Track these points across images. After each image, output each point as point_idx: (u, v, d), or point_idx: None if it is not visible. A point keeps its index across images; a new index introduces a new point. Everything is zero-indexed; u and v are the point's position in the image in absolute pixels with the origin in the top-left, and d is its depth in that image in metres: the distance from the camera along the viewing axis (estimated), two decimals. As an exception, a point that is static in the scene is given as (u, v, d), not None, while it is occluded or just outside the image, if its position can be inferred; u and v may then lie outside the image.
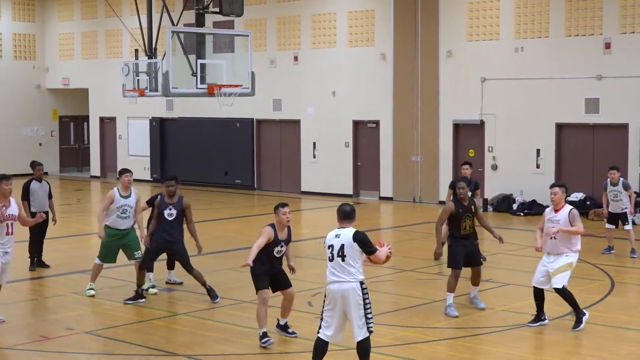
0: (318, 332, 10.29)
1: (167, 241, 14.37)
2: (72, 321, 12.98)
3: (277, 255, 11.99)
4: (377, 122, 29.87)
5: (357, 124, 30.40)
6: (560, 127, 26.26)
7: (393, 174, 29.24)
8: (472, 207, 13.99)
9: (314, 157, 31.43)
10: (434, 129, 28.58)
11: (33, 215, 17.09)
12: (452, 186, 17.12)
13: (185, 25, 21.06)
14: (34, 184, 17.18)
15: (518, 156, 26.77)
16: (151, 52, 26.39)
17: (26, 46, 39.01)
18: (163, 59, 18.96)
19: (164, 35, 18.41)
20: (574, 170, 25.73)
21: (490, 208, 26.89)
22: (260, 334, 11.79)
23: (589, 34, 25.44)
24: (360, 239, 10.09)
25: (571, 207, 13.12)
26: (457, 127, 28.23)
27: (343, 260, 10.10)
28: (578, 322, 12.63)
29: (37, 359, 11.53)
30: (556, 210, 12.97)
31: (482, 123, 27.61)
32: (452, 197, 16.74)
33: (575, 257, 12.73)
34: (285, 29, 31.84)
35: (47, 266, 17.28)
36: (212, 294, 14.46)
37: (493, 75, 27.19)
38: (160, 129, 35.58)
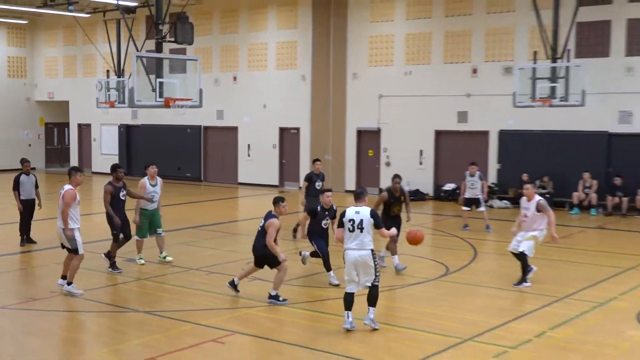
0: (346, 289, 10.52)
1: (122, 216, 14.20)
2: (55, 286, 12.75)
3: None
4: (298, 129, 29.93)
5: (282, 130, 30.40)
6: (438, 133, 26.65)
7: (310, 169, 29.30)
8: (402, 196, 14.46)
9: (249, 155, 31.39)
10: (342, 134, 28.75)
11: (23, 202, 16.85)
12: (307, 178, 17.91)
13: (147, 51, 20.83)
14: (23, 177, 16.88)
15: (406, 155, 27.10)
16: (120, 72, 26.17)
17: (18, 67, 38.41)
18: (129, 78, 18.75)
19: (130, 59, 18.20)
20: (448, 166, 26.16)
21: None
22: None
23: (461, 61, 25.86)
24: (374, 215, 10.42)
25: (540, 197, 13.50)
26: (360, 133, 28.42)
27: (361, 231, 10.29)
28: (522, 281, 13.13)
29: (26, 316, 11.32)
30: (528, 200, 13.29)
31: (379, 130, 27.86)
32: (306, 187, 17.52)
33: (540, 232, 13.17)
34: (227, 55, 31.72)
35: (34, 242, 16.94)
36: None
37: (388, 93, 27.44)
38: (127, 133, 35.28)
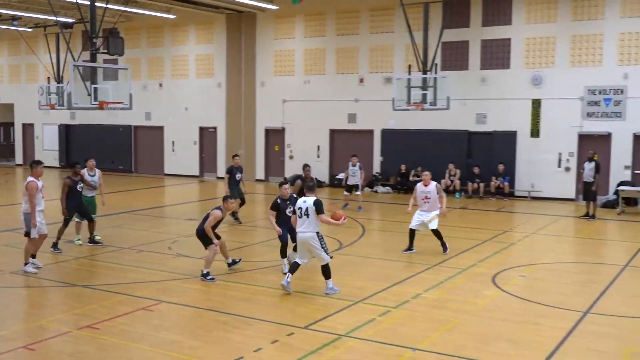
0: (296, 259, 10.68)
1: (80, 204, 13.95)
2: (2, 264, 12.11)
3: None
4: (215, 128, 29.48)
5: (201, 129, 29.87)
6: (332, 132, 26.75)
7: (225, 162, 28.99)
8: (308, 183, 14.25)
9: (173, 150, 30.72)
10: (253, 132, 28.50)
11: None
12: (228, 171, 17.55)
13: (83, 61, 20.00)
14: None
15: (306, 150, 27.10)
16: (59, 79, 25.16)
17: (-33, 73, 36.37)
18: (67, 84, 18.03)
19: (68, 68, 17.45)
20: (341, 159, 26.27)
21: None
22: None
23: (350, 72, 26.01)
24: (316, 203, 10.47)
25: (436, 182, 13.76)
26: (268, 131, 28.23)
27: (307, 217, 10.40)
28: (446, 248, 13.58)
29: (-24, 292, 10.72)
30: (425, 185, 13.50)
31: (284, 129, 27.76)
32: (228, 179, 17.25)
33: (438, 210, 13.49)
34: (153, 65, 30.91)
35: None
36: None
37: (290, 98, 27.36)
38: (66, 131, 33.86)
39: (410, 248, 13.60)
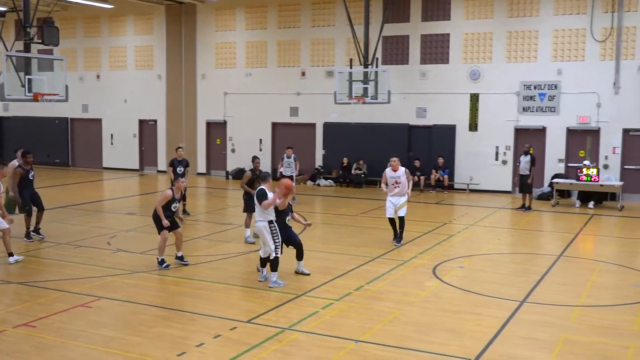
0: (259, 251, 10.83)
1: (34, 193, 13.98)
2: None
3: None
4: (155, 121, 28.97)
5: (141, 122, 29.30)
6: (274, 125, 26.66)
7: (166, 155, 28.59)
8: (260, 174, 14.12)
9: (112, 143, 30.06)
10: (194, 125, 28.15)
11: None
12: (171, 164, 17.42)
13: (17, 51, 19.29)
14: None
15: (248, 143, 26.94)
16: (-10, 70, 24.23)
17: None
18: (0, 74, 17.34)
19: (1, 58, 16.81)
20: (283, 153, 26.19)
21: (230, 177, 26.90)
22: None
23: (292, 65, 25.95)
24: (258, 194, 10.48)
25: (404, 167, 13.95)
26: (209, 124, 27.92)
27: (259, 206, 10.40)
28: (400, 239, 13.83)
29: None
30: (395, 170, 13.70)
31: (225, 122, 27.52)
32: (171, 171, 17.03)
33: (407, 197, 13.74)
34: (90, 56, 30.13)
35: None
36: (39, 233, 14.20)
37: (232, 91, 27.13)
38: (0, 124, 32.83)
39: (396, 235, 13.93)
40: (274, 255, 10.35)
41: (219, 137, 27.85)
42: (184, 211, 17.28)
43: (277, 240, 10.38)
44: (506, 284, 11.01)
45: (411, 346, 7.99)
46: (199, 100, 27.95)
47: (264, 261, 10.66)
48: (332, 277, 11.13)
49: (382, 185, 14.07)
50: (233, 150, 27.38)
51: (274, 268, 10.44)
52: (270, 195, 10.47)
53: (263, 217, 10.41)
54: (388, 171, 13.89)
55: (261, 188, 10.61)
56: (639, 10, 20.83)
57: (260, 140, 26.82)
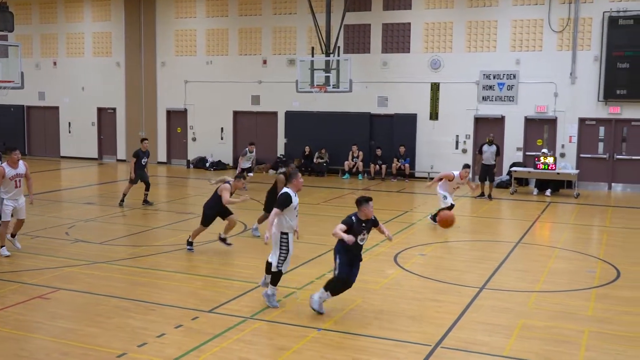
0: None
1: None
2: None
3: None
4: (114, 109, 28.54)
5: (100, 110, 28.85)
6: (236, 113, 26.50)
7: (126, 144, 28.18)
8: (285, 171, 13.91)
9: (69, 132, 29.53)
10: (154, 113, 27.81)
11: None
12: (135, 155, 17.12)
13: (-32, 36, 18.85)
14: None
15: (209, 132, 26.75)
16: (-58, 55, 23.53)
17: None
18: (-49, 60, 16.89)
19: (-49, 43, 16.38)
20: (245, 140, 26.05)
21: (191, 166, 26.67)
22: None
23: (253, 54, 25.80)
24: (280, 200, 8.71)
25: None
26: (169, 113, 27.61)
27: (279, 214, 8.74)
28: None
29: None
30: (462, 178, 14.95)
31: (186, 110, 27.24)
32: (135, 162, 16.86)
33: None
34: (46, 42, 29.49)
35: None
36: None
37: (193, 79, 26.86)
38: (-49, 111, 31.83)
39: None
40: (275, 268, 8.88)
41: (179, 126, 27.55)
42: (146, 201, 17.08)
43: (283, 253, 8.82)
44: (466, 270, 11.15)
45: (373, 333, 8.04)
46: (159, 88, 27.60)
47: (268, 266, 9.11)
48: (294, 266, 11.10)
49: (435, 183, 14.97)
50: (194, 139, 27.14)
51: (274, 282, 8.98)
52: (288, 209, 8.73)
53: (277, 226, 8.75)
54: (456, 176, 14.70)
55: (285, 192, 8.80)
56: (595, 2, 21.21)
57: (222, 129, 26.63)
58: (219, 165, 25.85)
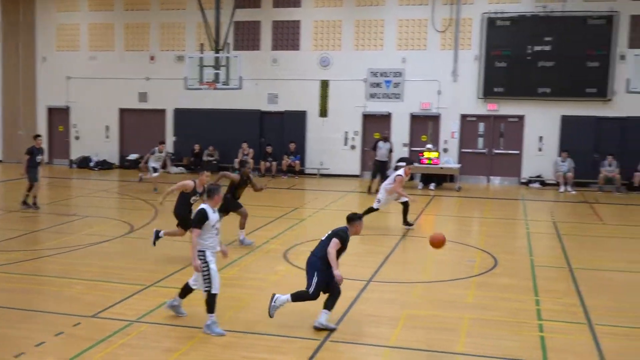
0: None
1: None
2: None
3: None
4: (-10, 106, 27.04)
5: (-26, 107, 27.23)
6: (122, 111, 25.78)
7: (3, 144, 26.78)
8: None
9: (-60, 131, 27.65)
10: (33, 111, 26.57)
11: None
12: (29, 152, 16.30)
13: None
14: None
15: (94, 131, 25.91)
16: None
17: None
18: None
19: None
20: (131, 139, 25.46)
21: (74, 165, 25.66)
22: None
23: (140, 49, 25.16)
24: (196, 216, 8.01)
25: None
26: (51, 110, 26.45)
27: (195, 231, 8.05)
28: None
29: None
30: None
31: (68, 108, 26.16)
32: (28, 160, 15.93)
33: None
34: None
35: None
36: None
37: (75, 75, 25.86)
38: None
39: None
40: (203, 292, 7.97)
41: (61, 124, 26.43)
42: (34, 204, 16.15)
43: (205, 273, 7.94)
44: (355, 264, 11.35)
45: (261, 331, 8.04)
46: (38, 85, 26.37)
47: (186, 291, 8.33)
48: (181, 266, 10.93)
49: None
50: (77, 138, 26.13)
51: (210, 310, 7.94)
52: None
53: (200, 244, 8.01)
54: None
55: (202, 208, 8.04)
56: (475, 3, 22.18)
57: (107, 127, 25.80)
58: (104, 165, 25.04)
